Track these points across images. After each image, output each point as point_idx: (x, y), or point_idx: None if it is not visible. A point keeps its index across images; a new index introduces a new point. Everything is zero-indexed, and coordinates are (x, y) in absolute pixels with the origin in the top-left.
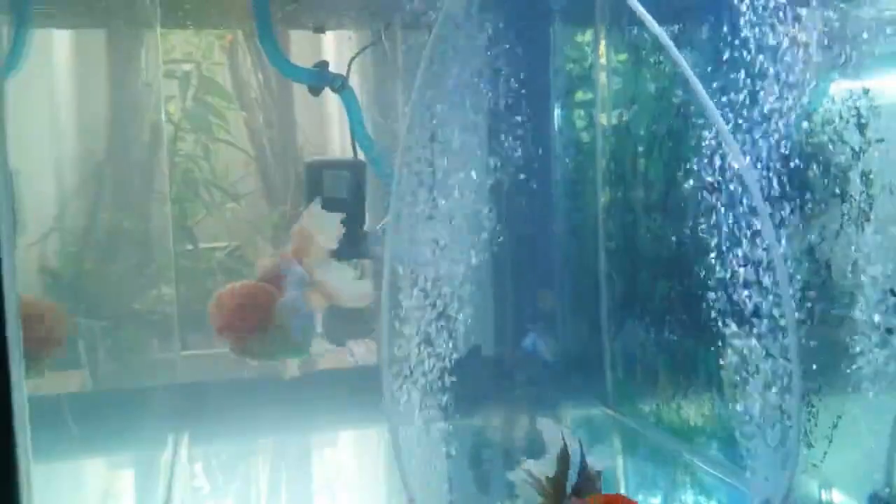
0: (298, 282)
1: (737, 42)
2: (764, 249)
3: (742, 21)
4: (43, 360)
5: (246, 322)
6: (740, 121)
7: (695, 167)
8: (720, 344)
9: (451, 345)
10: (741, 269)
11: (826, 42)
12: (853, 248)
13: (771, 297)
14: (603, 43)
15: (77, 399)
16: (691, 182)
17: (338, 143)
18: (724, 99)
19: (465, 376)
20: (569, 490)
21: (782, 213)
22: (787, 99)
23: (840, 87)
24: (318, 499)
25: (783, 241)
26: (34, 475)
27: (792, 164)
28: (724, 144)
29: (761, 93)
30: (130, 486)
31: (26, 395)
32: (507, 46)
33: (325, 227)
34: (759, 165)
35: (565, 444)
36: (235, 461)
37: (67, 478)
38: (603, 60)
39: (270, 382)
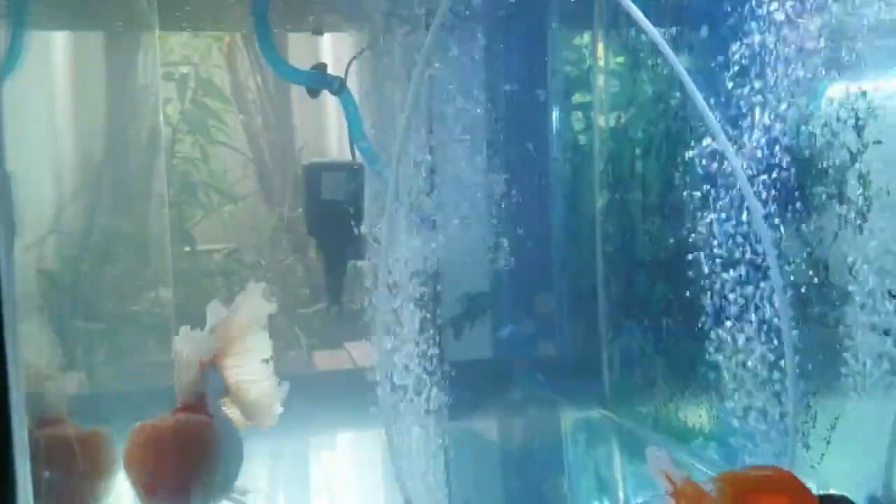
0: (217, 393)
1: (734, 44)
2: (761, 256)
3: (740, 23)
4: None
5: (173, 477)
6: (738, 122)
7: (692, 169)
8: (717, 346)
9: (446, 347)
10: (738, 272)
11: (823, 44)
12: (851, 249)
13: (767, 300)
14: (601, 45)
15: (75, 401)
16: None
17: (336, 146)
18: (719, 100)
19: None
20: None
21: (779, 214)
22: (784, 101)
23: (837, 89)
24: (316, 500)
25: (780, 243)
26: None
27: (789, 166)
28: (718, 144)
29: (758, 95)
30: (130, 488)
31: (24, 397)
32: (505, 49)
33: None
34: (755, 168)
35: None
36: None
37: None
38: (601, 63)
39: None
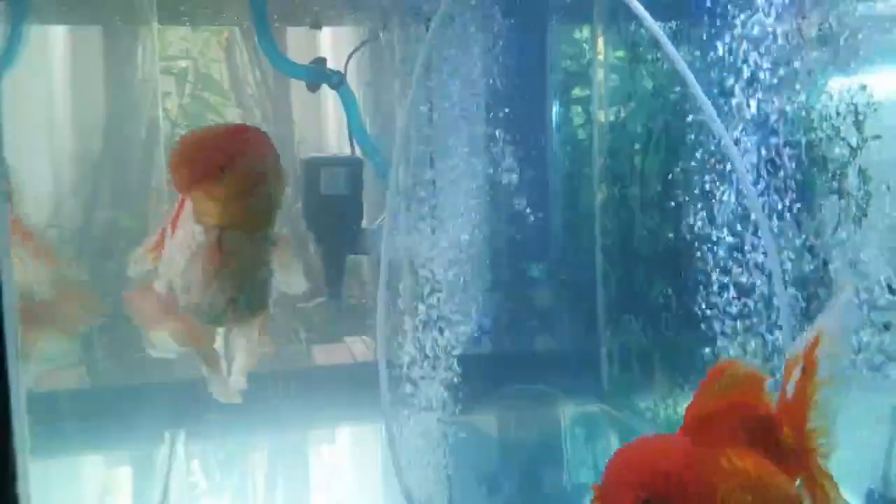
0: None
1: (734, 39)
2: (763, 252)
3: (740, 18)
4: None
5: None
6: (738, 117)
7: (691, 165)
8: (716, 340)
9: (446, 341)
10: (737, 266)
11: (824, 38)
12: (850, 243)
13: (767, 293)
14: (601, 40)
15: (75, 396)
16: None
17: (335, 140)
18: (720, 95)
19: None
20: None
21: (779, 209)
22: (784, 96)
23: (838, 84)
24: (315, 495)
25: (780, 237)
26: (31, 472)
27: (789, 161)
28: (719, 140)
29: (759, 90)
30: (128, 482)
31: (24, 391)
32: (505, 43)
33: None
34: (755, 162)
35: None
36: (232, 458)
37: (65, 474)
38: (601, 57)
39: (268, 379)
